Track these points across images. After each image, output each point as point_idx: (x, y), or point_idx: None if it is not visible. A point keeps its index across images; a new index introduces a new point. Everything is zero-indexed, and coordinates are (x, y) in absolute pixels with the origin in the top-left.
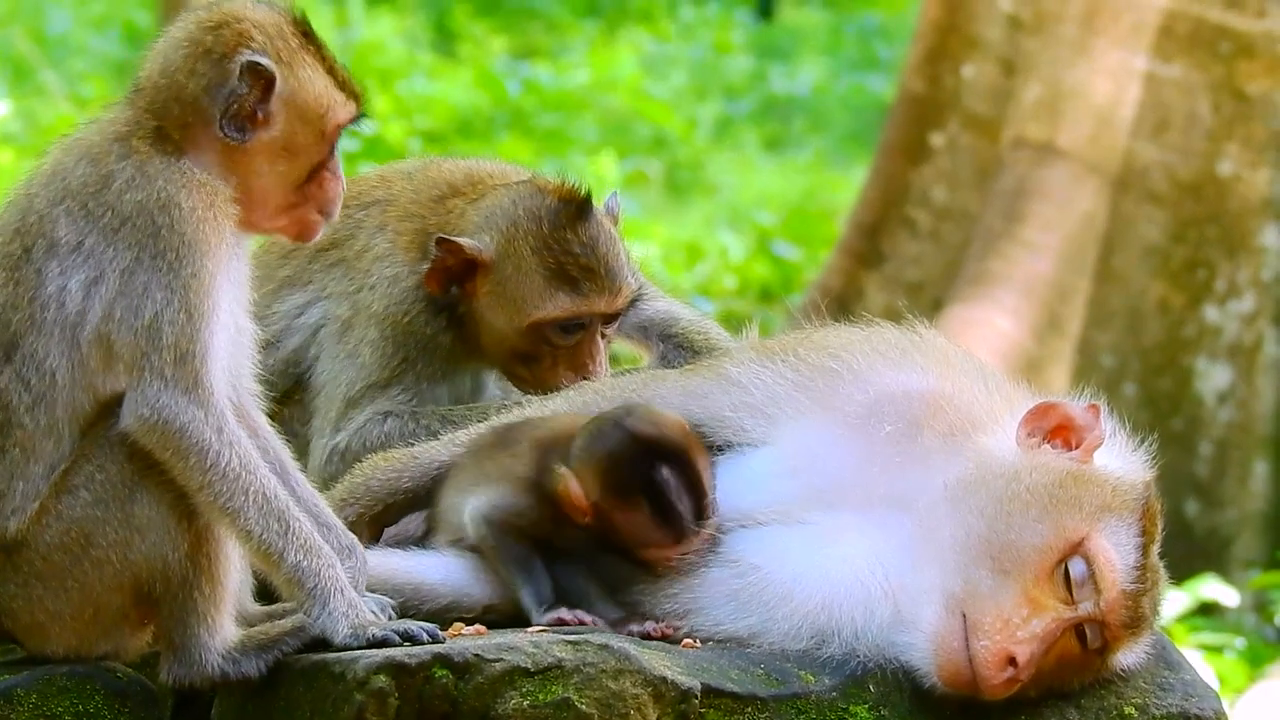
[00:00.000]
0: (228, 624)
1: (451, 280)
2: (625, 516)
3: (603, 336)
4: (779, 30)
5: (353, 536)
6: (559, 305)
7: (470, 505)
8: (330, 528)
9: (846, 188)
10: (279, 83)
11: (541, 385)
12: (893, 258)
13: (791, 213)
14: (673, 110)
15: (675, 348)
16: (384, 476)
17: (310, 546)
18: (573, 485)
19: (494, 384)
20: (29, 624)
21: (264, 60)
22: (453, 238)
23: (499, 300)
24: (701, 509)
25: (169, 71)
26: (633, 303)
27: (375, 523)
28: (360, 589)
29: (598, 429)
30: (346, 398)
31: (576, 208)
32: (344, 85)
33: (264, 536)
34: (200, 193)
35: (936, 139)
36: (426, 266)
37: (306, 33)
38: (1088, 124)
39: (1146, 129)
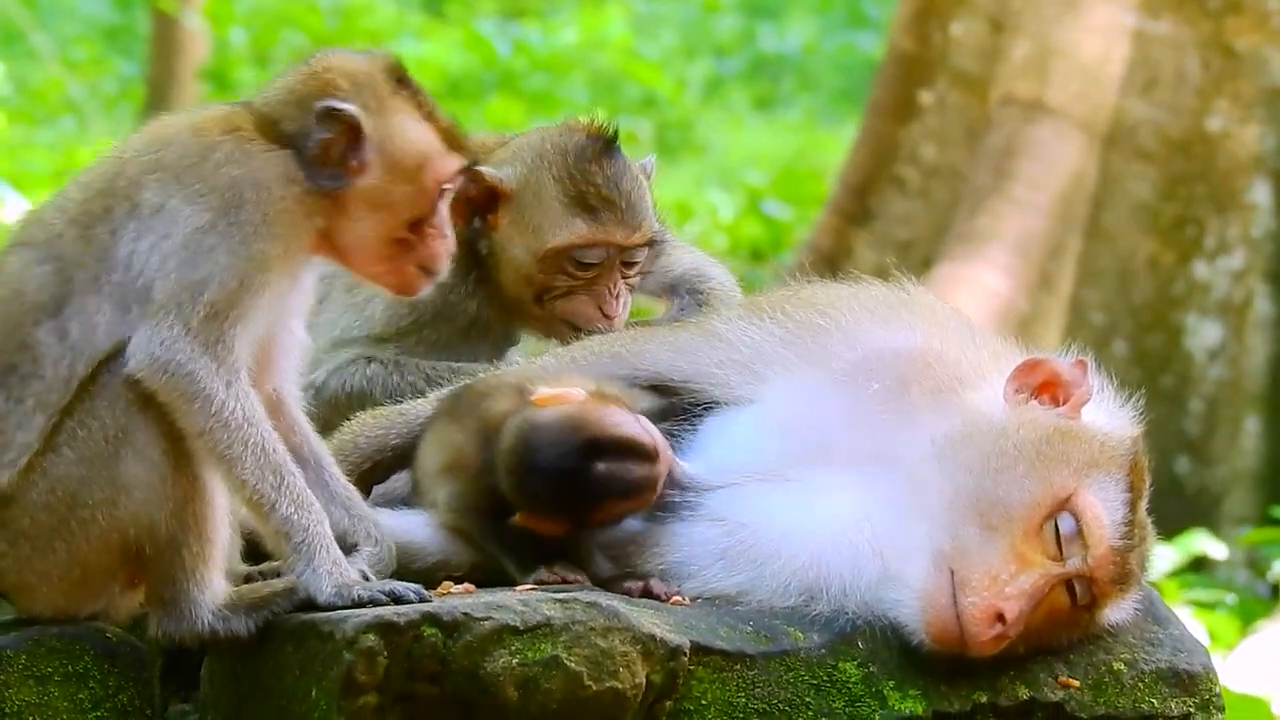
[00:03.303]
0: (217, 580)
1: (474, 211)
2: (599, 515)
3: (623, 278)
4: None
5: (380, 528)
6: (576, 231)
7: (440, 498)
8: (361, 518)
9: (836, 147)
10: (368, 130)
11: (561, 325)
12: (882, 216)
13: (781, 172)
14: (662, 70)
15: (698, 305)
16: (371, 434)
17: (303, 502)
18: (538, 525)
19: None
20: (17, 583)
21: (345, 106)
22: (476, 166)
23: (518, 230)
24: (648, 453)
25: (268, 104)
26: (656, 255)
27: (364, 480)
28: (384, 576)
29: (518, 481)
30: (337, 339)
31: (603, 143)
32: (446, 136)
33: (258, 487)
34: (295, 185)
35: (925, 97)
36: None
37: (402, 80)
38: (1077, 81)
39: (1135, 86)
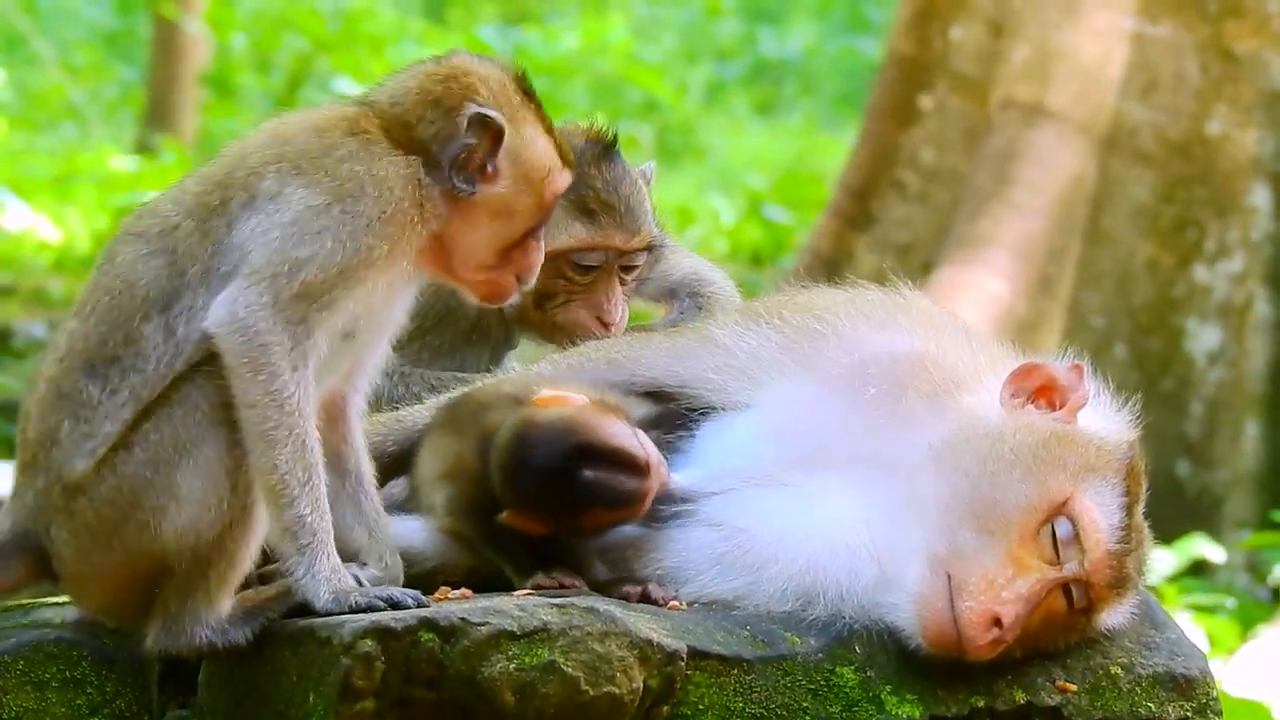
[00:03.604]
0: (227, 601)
1: None
2: (585, 521)
3: (622, 284)
4: None
5: (395, 556)
6: (575, 235)
7: (439, 501)
8: (379, 543)
9: (837, 150)
10: (507, 138)
11: (559, 331)
12: (882, 220)
13: (782, 176)
14: (663, 74)
15: (697, 308)
16: (369, 441)
17: (320, 507)
18: (522, 523)
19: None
20: (74, 573)
21: (493, 113)
22: None
23: None
24: (640, 467)
25: (398, 105)
26: (655, 260)
27: None
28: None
29: (509, 478)
30: None
31: (603, 147)
32: (562, 152)
33: (286, 477)
34: (415, 188)
35: (925, 101)
36: None
37: (528, 91)
38: (1076, 85)
39: (1135, 89)
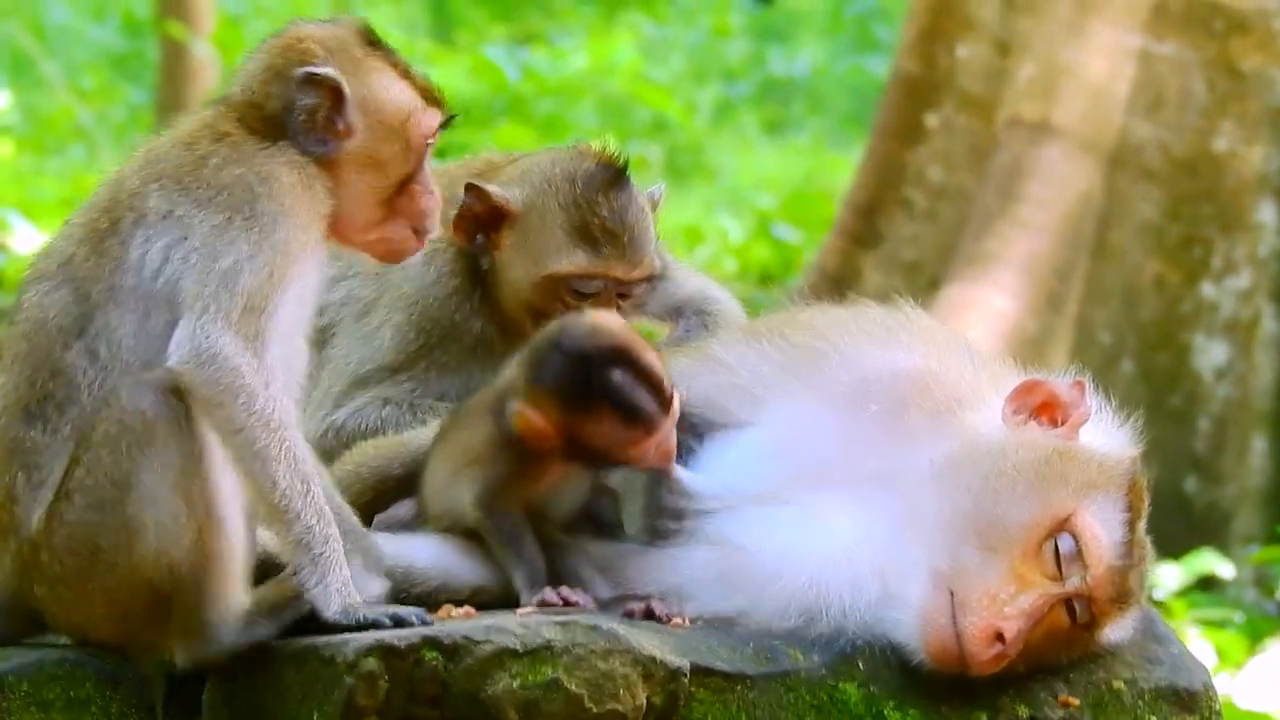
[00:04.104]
0: (237, 595)
1: (478, 229)
2: (593, 428)
3: (619, 310)
4: (777, 12)
5: (378, 548)
6: (575, 262)
7: (465, 495)
8: (351, 531)
9: (846, 169)
10: (349, 91)
11: None
12: (889, 238)
13: (791, 195)
14: (672, 94)
15: (703, 327)
16: (374, 464)
17: (324, 515)
18: (531, 416)
19: None
20: (69, 624)
21: (323, 70)
22: (482, 184)
23: (520, 252)
24: (663, 397)
25: (248, 90)
26: (653, 289)
27: (366, 510)
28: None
29: (538, 357)
30: (355, 376)
31: (613, 174)
32: (424, 92)
33: (287, 491)
34: (298, 172)
35: (931, 119)
36: (454, 214)
37: (373, 42)
38: (1082, 102)
39: (1141, 107)
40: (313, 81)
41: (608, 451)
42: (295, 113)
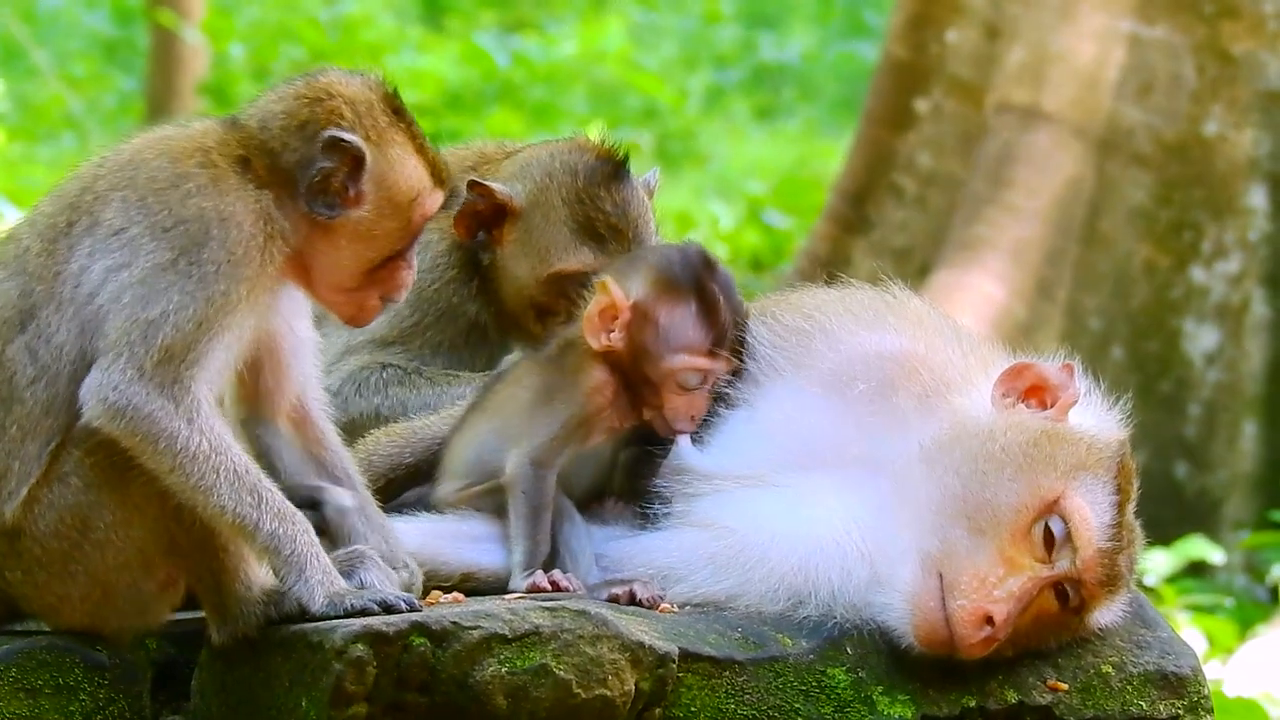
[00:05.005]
0: (260, 574)
1: (480, 225)
2: (668, 312)
3: None
4: None
5: (410, 558)
6: (581, 259)
7: (515, 454)
8: (394, 549)
9: (837, 155)
10: (369, 161)
11: None
12: (879, 224)
13: (782, 181)
14: (663, 81)
15: None
16: (386, 452)
17: (284, 514)
18: (614, 288)
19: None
20: (41, 607)
21: (350, 137)
22: (485, 181)
23: (523, 249)
24: (738, 334)
25: (266, 130)
26: None
27: (377, 497)
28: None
29: (656, 247)
30: (346, 345)
31: (614, 167)
32: (434, 171)
33: (238, 510)
34: (265, 222)
35: (921, 105)
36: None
37: (398, 110)
38: (1072, 87)
39: (1131, 91)
40: (337, 146)
41: (664, 349)
42: (311, 171)
